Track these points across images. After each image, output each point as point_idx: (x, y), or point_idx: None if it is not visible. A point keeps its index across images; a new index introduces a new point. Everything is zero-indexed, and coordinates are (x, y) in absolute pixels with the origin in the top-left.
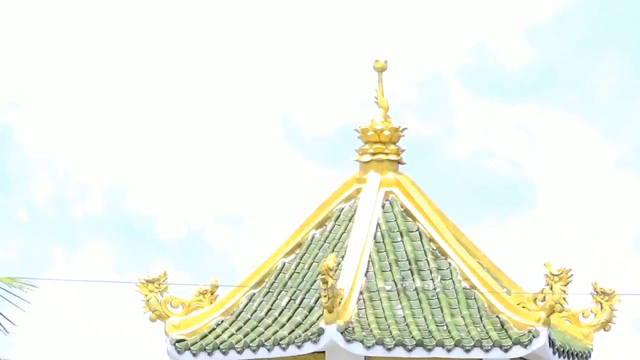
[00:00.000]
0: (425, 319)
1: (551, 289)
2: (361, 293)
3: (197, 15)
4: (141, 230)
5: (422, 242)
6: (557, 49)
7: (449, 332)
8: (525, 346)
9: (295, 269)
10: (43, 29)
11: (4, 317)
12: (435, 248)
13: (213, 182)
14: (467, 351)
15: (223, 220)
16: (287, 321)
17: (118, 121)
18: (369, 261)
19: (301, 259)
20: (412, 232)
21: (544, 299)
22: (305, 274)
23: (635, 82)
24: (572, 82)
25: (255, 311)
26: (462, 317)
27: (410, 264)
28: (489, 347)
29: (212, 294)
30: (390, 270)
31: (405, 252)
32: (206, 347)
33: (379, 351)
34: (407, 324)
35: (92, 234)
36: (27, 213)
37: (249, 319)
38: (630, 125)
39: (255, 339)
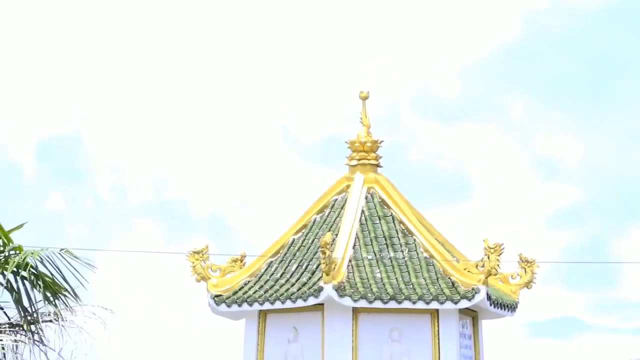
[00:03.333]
0: (397, 280)
1: (488, 258)
2: (350, 261)
3: (221, 43)
4: (179, 212)
5: (394, 224)
6: (481, 84)
7: (414, 289)
8: (470, 299)
9: (302, 243)
10: (104, 59)
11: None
12: (404, 228)
13: (231, 177)
14: (427, 303)
15: (241, 206)
16: (296, 281)
17: (161, 131)
18: (355, 237)
19: (306, 236)
20: (387, 216)
21: (483, 266)
22: (309, 247)
23: (539, 104)
24: (493, 106)
25: (272, 274)
26: (423, 278)
27: (386, 239)
28: (444, 300)
29: (241, 262)
30: (371, 244)
31: (382, 231)
32: (237, 300)
33: (363, 303)
34: (383, 284)
35: (143, 215)
36: (93, 201)
37: (267, 280)
38: (538, 135)
39: (272, 294)
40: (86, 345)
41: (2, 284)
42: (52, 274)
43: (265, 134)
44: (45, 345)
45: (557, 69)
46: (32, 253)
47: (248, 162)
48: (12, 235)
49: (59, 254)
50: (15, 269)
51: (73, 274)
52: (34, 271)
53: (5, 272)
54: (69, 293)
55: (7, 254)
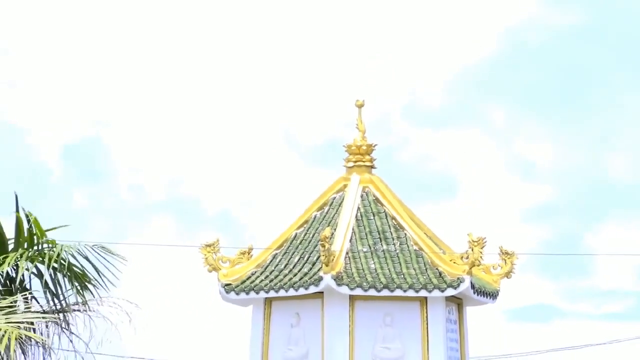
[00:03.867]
0: (389, 270)
1: (472, 250)
2: (347, 253)
3: (231, 56)
4: (192, 209)
5: (387, 219)
6: (465, 93)
7: (405, 278)
8: (455, 288)
9: (303, 237)
10: (123, 70)
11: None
12: (396, 223)
13: (239, 177)
14: (417, 291)
15: (248, 203)
16: (298, 272)
17: (175, 135)
18: (352, 232)
19: (307, 230)
20: (381, 213)
21: (467, 257)
22: (310, 241)
23: (517, 112)
24: (476, 113)
25: (277, 265)
26: (413, 269)
27: (379, 234)
28: (432, 289)
29: (249, 254)
30: (366, 238)
31: (376, 226)
32: (245, 289)
33: (359, 291)
34: (377, 274)
35: (159, 212)
36: (114, 199)
37: (272, 270)
38: (516, 139)
39: (277, 283)
40: (110, 333)
41: (34, 274)
42: (82, 267)
43: (270, 138)
44: (72, 333)
45: (533, 80)
46: (68, 247)
47: (254, 164)
48: (46, 232)
49: (92, 248)
50: (47, 261)
51: (106, 267)
52: (64, 263)
53: (37, 264)
54: (98, 284)
55: (41, 247)
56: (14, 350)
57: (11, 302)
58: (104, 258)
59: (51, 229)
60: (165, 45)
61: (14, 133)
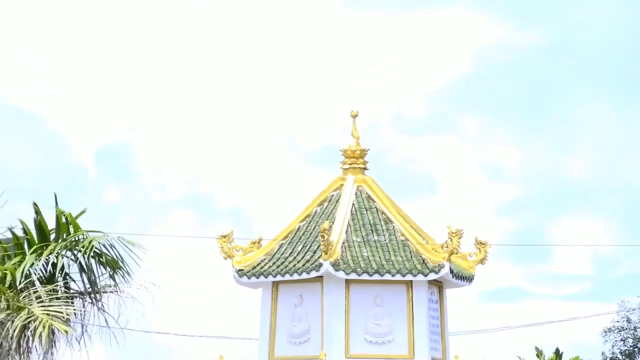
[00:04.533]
0: (380, 258)
1: (451, 240)
2: (343, 243)
3: (243, 71)
4: (209, 204)
5: (378, 214)
6: (443, 105)
7: (393, 265)
8: (437, 273)
9: (306, 229)
10: (148, 83)
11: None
12: (385, 217)
13: (250, 177)
14: (403, 276)
15: (258, 200)
16: (301, 259)
17: (193, 140)
18: (347, 225)
19: (309, 223)
20: (372, 208)
21: (447, 247)
22: (312, 232)
23: (488, 121)
24: (453, 123)
25: (283, 253)
26: (400, 257)
27: (371, 226)
28: (416, 273)
29: (258, 243)
30: (360, 230)
31: (369, 219)
32: (255, 274)
33: (353, 276)
34: (369, 261)
35: (178, 207)
36: (140, 196)
37: (279, 258)
38: (488, 145)
39: (283, 269)
40: (137, 311)
41: (73, 260)
42: (111, 254)
43: (276, 143)
44: (105, 311)
45: (502, 94)
46: (100, 237)
47: (263, 165)
48: (77, 221)
49: (119, 240)
50: (83, 250)
51: (129, 255)
52: (97, 252)
53: (74, 252)
54: (127, 269)
55: (76, 238)
56: (49, 335)
57: (51, 289)
58: (129, 248)
59: (79, 215)
60: (187, 63)
61: (54, 137)
